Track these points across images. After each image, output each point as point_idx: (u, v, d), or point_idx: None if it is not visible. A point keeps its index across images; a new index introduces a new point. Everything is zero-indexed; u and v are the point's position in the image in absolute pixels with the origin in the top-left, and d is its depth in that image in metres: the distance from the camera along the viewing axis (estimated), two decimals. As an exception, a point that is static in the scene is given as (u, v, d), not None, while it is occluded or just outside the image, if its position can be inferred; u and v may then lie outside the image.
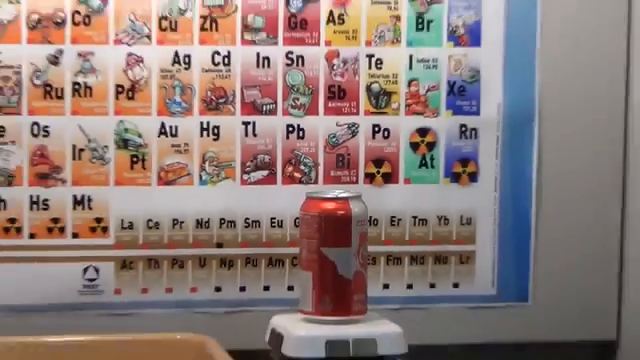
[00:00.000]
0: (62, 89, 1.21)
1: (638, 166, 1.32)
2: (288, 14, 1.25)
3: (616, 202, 1.36)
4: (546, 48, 1.32)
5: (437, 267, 1.34)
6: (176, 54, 1.23)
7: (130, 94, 1.22)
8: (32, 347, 1.22)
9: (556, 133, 1.34)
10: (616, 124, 1.35)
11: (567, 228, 1.34)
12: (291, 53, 1.26)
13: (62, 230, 1.21)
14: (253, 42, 1.25)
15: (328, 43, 1.27)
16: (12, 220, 1.20)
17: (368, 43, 1.27)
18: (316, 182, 1.29)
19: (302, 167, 1.27)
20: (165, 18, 1.22)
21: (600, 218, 1.35)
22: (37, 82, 1.20)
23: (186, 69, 1.23)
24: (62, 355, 1.32)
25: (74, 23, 1.21)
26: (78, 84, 1.21)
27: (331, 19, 1.27)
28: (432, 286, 1.32)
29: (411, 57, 1.28)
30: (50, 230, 1.21)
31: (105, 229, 1.24)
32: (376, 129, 1.28)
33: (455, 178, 1.32)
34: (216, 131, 1.25)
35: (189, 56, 1.23)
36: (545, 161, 1.35)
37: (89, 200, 1.22)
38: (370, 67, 1.27)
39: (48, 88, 1.21)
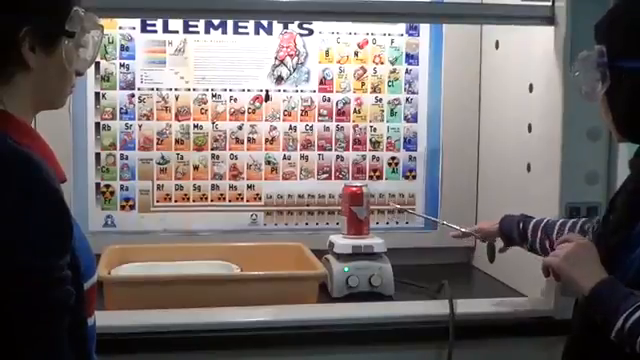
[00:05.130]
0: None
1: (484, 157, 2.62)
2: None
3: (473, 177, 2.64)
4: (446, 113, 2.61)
5: (398, 215, 2.63)
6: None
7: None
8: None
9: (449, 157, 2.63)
10: (472, 148, 2.61)
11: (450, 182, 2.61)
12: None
13: None
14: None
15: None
16: None
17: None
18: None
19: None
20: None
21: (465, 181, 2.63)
22: None
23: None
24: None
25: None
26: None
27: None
28: (396, 222, 2.62)
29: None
30: None
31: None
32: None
33: (407, 177, 2.61)
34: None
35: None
36: (445, 167, 2.62)
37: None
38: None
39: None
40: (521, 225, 2.00)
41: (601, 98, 1.50)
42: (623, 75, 1.45)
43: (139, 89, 2.46)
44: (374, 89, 2.58)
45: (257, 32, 2.50)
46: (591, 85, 1.50)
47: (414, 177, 2.62)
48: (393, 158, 2.61)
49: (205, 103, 2.49)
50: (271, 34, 2.52)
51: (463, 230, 2.20)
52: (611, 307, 1.38)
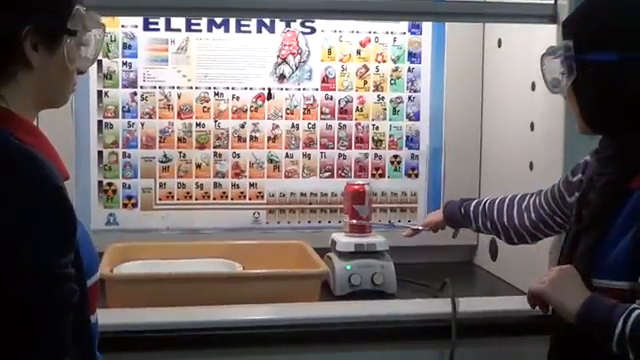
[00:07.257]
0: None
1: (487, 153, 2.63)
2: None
3: (475, 174, 2.64)
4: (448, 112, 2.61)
5: (400, 213, 2.64)
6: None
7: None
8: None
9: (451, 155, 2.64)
10: (474, 147, 2.62)
11: (452, 180, 2.61)
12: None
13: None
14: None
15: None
16: None
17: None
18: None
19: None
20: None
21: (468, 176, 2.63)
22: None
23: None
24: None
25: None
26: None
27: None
28: (398, 220, 2.59)
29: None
30: None
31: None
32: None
33: (409, 175, 2.61)
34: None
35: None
36: (447, 165, 2.62)
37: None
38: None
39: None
40: (462, 210, 2.07)
41: (569, 92, 1.53)
42: (590, 68, 1.47)
43: (141, 87, 2.46)
44: (376, 87, 2.58)
45: (259, 30, 2.50)
46: (557, 78, 1.53)
47: (416, 175, 2.62)
48: (395, 156, 2.61)
49: (207, 101, 2.50)
50: (273, 32, 2.52)
51: (413, 227, 2.24)
52: (605, 317, 1.38)
